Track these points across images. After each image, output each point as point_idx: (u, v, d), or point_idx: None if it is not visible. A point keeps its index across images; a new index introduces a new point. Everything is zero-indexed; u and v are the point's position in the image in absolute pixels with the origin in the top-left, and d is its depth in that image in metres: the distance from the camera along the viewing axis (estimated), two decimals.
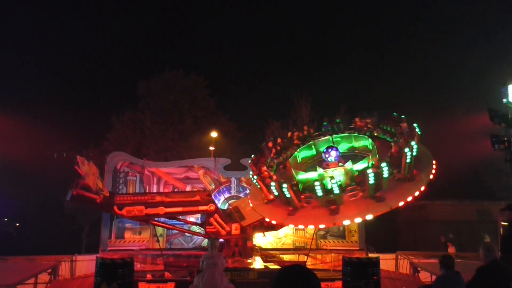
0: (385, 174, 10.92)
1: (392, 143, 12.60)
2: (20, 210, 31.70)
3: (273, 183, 11.96)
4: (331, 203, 11.39)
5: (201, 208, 13.73)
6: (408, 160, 11.27)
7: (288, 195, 11.63)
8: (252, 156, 14.62)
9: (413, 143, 11.43)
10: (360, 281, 9.01)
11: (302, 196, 11.80)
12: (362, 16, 48.80)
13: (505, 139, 13.75)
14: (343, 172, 12.14)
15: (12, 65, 38.30)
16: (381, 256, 11.58)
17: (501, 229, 10.83)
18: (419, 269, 13.26)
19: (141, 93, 29.41)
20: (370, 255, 14.20)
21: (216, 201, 15.43)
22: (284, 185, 11.55)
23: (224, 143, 26.59)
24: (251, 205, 13.90)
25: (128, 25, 51.17)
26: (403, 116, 13.57)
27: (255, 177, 12.99)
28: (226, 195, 17.91)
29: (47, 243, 27.97)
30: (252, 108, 36.34)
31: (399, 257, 14.79)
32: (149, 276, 12.31)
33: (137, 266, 12.65)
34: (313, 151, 14.72)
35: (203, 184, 18.53)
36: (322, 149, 13.98)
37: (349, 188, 11.60)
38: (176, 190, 18.58)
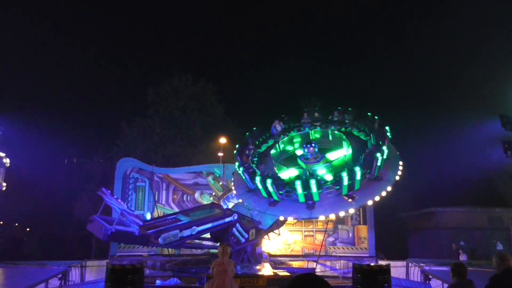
0: (358, 176, 12.35)
1: (368, 142, 13.93)
2: (30, 216, 31.95)
3: (258, 177, 13.09)
4: (309, 198, 12.74)
5: (227, 220, 13.32)
6: (379, 164, 12.80)
7: (271, 189, 12.88)
8: (237, 146, 15.55)
9: (384, 147, 12.88)
10: None
11: (284, 191, 12.97)
12: (371, 18, 48.78)
13: None
14: (322, 167, 13.63)
15: (23, 72, 38.86)
16: (392, 263, 11.45)
17: None
18: (430, 276, 13.07)
19: (151, 99, 29.62)
20: (380, 262, 14.05)
21: (225, 207, 15.45)
22: (268, 180, 12.79)
23: (233, 149, 26.61)
24: (234, 192, 15.00)
25: (138, 32, 51.72)
26: (376, 118, 14.76)
27: (241, 168, 13.86)
28: (235, 200, 17.90)
29: (57, 248, 28.19)
30: (261, 114, 36.35)
31: (409, 264, 14.61)
32: (158, 282, 12.32)
33: (146, 272, 12.67)
34: (293, 144, 16.08)
35: (212, 190, 18.57)
36: (297, 141, 15.95)
37: (325, 186, 12.79)
38: (185, 195, 18.65)
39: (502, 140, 13.94)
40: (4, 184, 18.24)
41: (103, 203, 12.27)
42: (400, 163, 13.80)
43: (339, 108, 16.20)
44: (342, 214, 13.18)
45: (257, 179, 13.09)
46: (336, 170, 13.35)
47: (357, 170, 12.24)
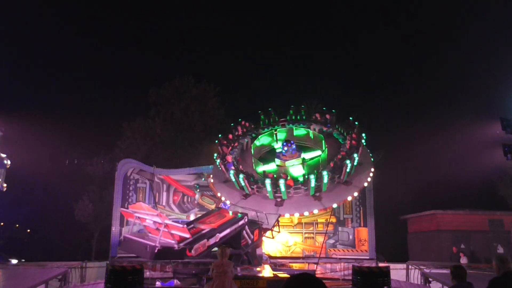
0: (325, 180, 13.51)
1: (341, 146, 14.86)
2: (31, 217, 31.96)
3: (232, 171, 14.10)
4: (278, 196, 13.78)
5: (240, 223, 13.27)
6: (348, 170, 13.79)
7: (242, 184, 13.96)
8: (220, 135, 16.56)
9: (355, 155, 13.85)
10: None
11: (255, 186, 14.13)
12: (370, 19, 48.81)
13: None
14: (296, 165, 14.65)
15: (24, 73, 38.93)
16: (392, 265, 11.47)
17: None
18: (430, 279, 13.06)
19: (152, 101, 29.65)
20: (380, 264, 14.06)
21: (226, 208, 15.46)
22: (241, 175, 13.90)
23: None
24: (211, 181, 16.11)
25: (140, 33, 51.79)
26: (356, 123, 15.62)
27: (219, 160, 14.84)
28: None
29: (58, 249, 28.18)
30: (266, 116, 36.30)
31: (410, 267, 14.59)
32: (158, 283, 12.31)
33: (146, 273, 12.66)
34: (272, 139, 17.21)
35: (213, 191, 18.57)
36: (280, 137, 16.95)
37: (294, 186, 13.88)
38: (185, 197, 18.65)
39: (502, 143, 13.93)
40: (5, 185, 18.24)
41: (133, 220, 11.99)
42: (372, 169, 14.79)
43: (324, 108, 17.47)
44: (306, 213, 14.37)
45: (231, 172, 14.11)
46: (309, 170, 14.41)
47: (325, 174, 13.42)
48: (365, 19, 50.04)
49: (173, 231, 11.38)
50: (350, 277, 10.66)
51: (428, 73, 42.20)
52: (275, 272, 12.71)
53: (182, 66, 45.06)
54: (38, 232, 32.66)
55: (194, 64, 45.41)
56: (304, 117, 17.33)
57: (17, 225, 34.08)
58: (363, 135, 15.17)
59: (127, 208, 13.07)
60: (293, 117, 17.41)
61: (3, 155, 18.10)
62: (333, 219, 17.83)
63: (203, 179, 18.58)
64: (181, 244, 11.30)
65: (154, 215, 11.79)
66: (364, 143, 15.08)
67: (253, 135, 17.25)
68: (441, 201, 26.77)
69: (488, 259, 18.81)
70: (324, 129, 16.58)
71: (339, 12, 51.72)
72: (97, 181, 28.15)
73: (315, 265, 15.38)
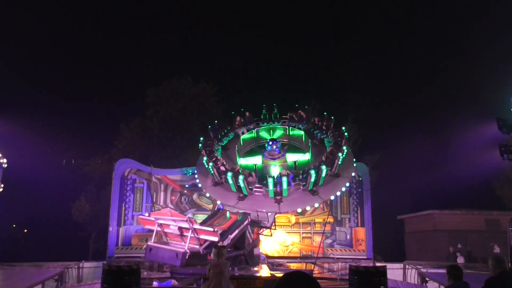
0: (323, 173, 13.97)
1: (330, 145, 15.23)
2: (28, 217, 31.88)
3: (229, 173, 14.11)
4: (278, 194, 13.94)
5: (245, 223, 13.24)
6: (340, 162, 14.44)
7: (241, 185, 14.02)
8: (201, 138, 16.64)
9: (345, 147, 14.58)
10: None
11: (253, 186, 14.29)
12: (370, 22, 48.84)
13: None
14: (285, 163, 15.11)
15: (21, 74, 38.83)
16: (389, 265, 11.49)
17: (510, 239, 10.71)
18: (427, 279, 13.09)
19: (150, 101, 29.61)
20: (377, 264, 14.08)
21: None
22: (241, 177, 13.91)
23: None
24: (199, 185, 16.05)
25: (138, 33, 51.72)
26: (332, 118, 16.41)
27: (211, 164, 14.78)
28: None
29: (54, 249, 28.10)
30: (260, 116, 36.34)
31: (406, 266, 14.62)
32: (155, 284, 12.28)
33: (144, 273, 12.63)
34: (253, 135, 17.52)
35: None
36: (262, 134, 17.46)
37: (294, 182, 14.18)
38: (183, 197, 18.62)
39: (498, 143, 13.95)
40: (2, 185, 18.20)
41: (155, 229, 11.81)
42: (354, 160, 15.67)
43: (297, 105, 18.24)
44: (308, 208, 14.72)
45: (229, 175, 14.16)
46: (301, 168, 14.88)
47: (323, 168, 13.93)
48: (359, 15, 50.10)
49: (202, 236, 11.24)
50: (347, 277, 10.68)
51: (426, 74, 42.32)
52: (272, 272, 12.71)
53: (180, 66, 44.99)
54: (35, 232, 32.57)
55: (192, 64, 45.42)
56: (278, 116, 17.89)
57: (14, 226, 33.98)
58: (343, 128, 15.96)
59: (149, 216, 12.55)
60: (278, 116, 17.94)
61: (0, 155, 18.05)
62: (331, 219, 17.86)
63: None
64: (203, 248, 11.20)
65: (184, 220, 11.53)
66: (346, 135, 15.86)
67: (231, 136, 17.33)
68: (438, 201, 26.87)
69: (484, 259, 18.85)
70: (320, 133, 16.80)
71: (331, 7, 51.80)
72: (94, 181, 28.10)
73: (313, 265, 15.41)
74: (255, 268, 13.10)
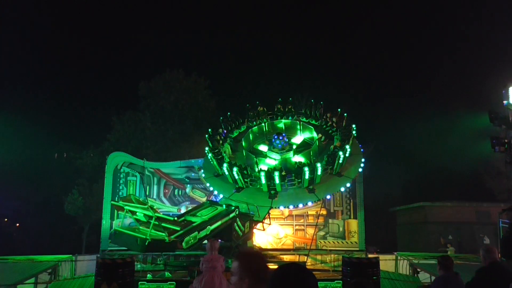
0: (319, 172, 13.30)
1: (335, 138, 14.71)
2: (20, 211, 31.68)
3: (225, 164, 13.83)
4: (272, 188, 13.56)
5: (231, 215, 13.20)
6: (340, 161, 13.61)
7: (236, 177, 13.68)
8: (209, 130, 16.14)
9: (347, 146, 13.57)
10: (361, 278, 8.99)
11: (249, 179, 13.86)
12: (365, 16, 48.87)
13: (506, 141, 13.70)
14: (289, 157, 14.51)
15: (13, 66, 38.36)
16: (381, 256, 11.61)
17: (501, 231, 10.86)
18: (418, 269, 13.26)
19: (142, 94, 29.45)
20: (370, 255, 14.22)
21: (217, 201, 15.49)
22: (235, 168, 13.58)
23: None
24: (203, 175, 15.89)
25: (129, 25, 51.25)
26: (345, 115, 15.38)
27: (210, 153, 14.55)
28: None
29: (48, 243, 28.01)
30: (253, 109, 36.28)
31: (398, 257, 14.79)
32: (149, 276, 12.31)
33: (138, 266, 12.64)
34: (263, 128, 16.70)
35: (204, 184, 18.55)
36: (271, 127, 16.60)
37: (288, 178, 13.68)
38: (176, 190, 18.61)
39: (490, 136, 14.05)
40: None
41: (123, 213, 11.99)
42: (362, 160, 14.67)
43: (312, 100, 17.06)
44: (301, 205, 14.26)
45: (224, 166, 13.87)
46: (303, 160, 14.30)
47: (319, 166, 13.26)
48: (354, 11, 50.07)
49: (163, 224, 11.38)
50: (340, 268, 10.78)
51: (417, 66, 42.49)
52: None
53: (172, 59, 44.72)
54: (28, 226, 32.39)
55: (184, 56, 45.16)
56: (292, 110, 17.03)
57: (6, 219, 33.75)
58: (353, 126, 15.02)
59: (118, 202, 12.91)
60: (280, 110, 17.16)
61: None
62: (324, 211, 17.95)
63: (192, 174, 18.57)
64: (172, 237, 11.31)
65: (145, 208, 11.75)
66: (355, 134, 14.92)
67: (243, 128, 17.01)
68: (429, 194, 27.12)
69: (475, 250, 19.13)
70: (313, 120, 16.38)
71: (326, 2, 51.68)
72: (87, 175, 27.97)
73: (306, 257, 15.49)
74: None
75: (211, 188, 15.32)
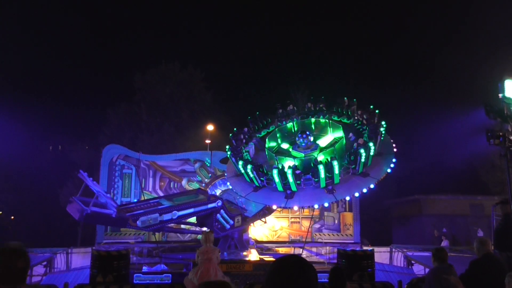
0: (336, 170, 12.30)
1: (364, 135, 13.41)
2: (15, 204, 31.54)
3: (240, 162, 13.36)
4: (288, 188, 12.77)
5: (210, 206, 13.43)
6: (363, 160, 12.45)
7: (251, 175, 13.13)
8: (235, 129, 15.56)
9: (370, 144, 12.48)
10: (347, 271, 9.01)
11: (264, 178, 13.21)
12: (361, 13, 48.74)
13: (500, 134, 13.74)
14: (315, 156, 13.47)
15: (7, 58, 37.98)
16: (376, 249, 11.69)
17: (494, 223, 10.93)
18: (413, 262, 13.38)
19: (137, 86, 29.30)
20: (365, 248, 14.32)
21: (213, 193, 15.51)
22: (249, 166, 13.04)
23: (220, 137, 26.60)
24: (226, 175, 15.46)
25: (124, 17, 50.85)
26: (377, 111, 14.24)
27: (229, 152, 14.28)
28: (222, 187, 17.95)
29: (42, 236, 27.95)
30: (249, 101, 36.27)
31: (393, 250, 14.91)
32: (144, 268, 12.34)
33: (133, 258, 12.67)
34: (290, 127, 15.65)
35: (199, 177, 18.56)
36: (297, 126, 15.42)
37: (306, 178, 12.85)
38: (172, 183, 18.61)
39: (485, 129, 14.08)
40: None
41: (82, 185, 12.37)
42: (393, 160, 13.23)
43: (345, 98, 15.54)
44: (317, 206, 13.52)
45: (240, 164, 13.41)
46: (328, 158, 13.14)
47: (335, 164, 12.20)
48: (362, 15, 49.93)
49: (109, 201, 12.40)
50: (336, 261, 10.85)
51: (411, 60, 42.52)
52: (261, 256, 12.85)
53: (167, 51, 44.49)
54: (23, 219, 32.29)
55: (180, 49, 44.91)
56: (324, 109, 15.66)
57: (1, 212, 33.62)
58: (383, 123, 13.83)
59: (81, 174, 12.88)
60: (323, 109, 15.73)
61: None
62: None
63: (188, 167, 18.57)
64: (128, 215, 12.06)
65: (93, 184, 12.46)
66: (383, 132, 13.68)
67: (271, 128, 15.71)
68: (424, 187, 27.28)
69: (468, 242, 19.30)
70: (339, 118, 15.19)
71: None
72: (82, 167, 27.74)
73: (301, 249, 15.57)
74: (245, 253, 13.24)
75: (231, 188, 14.67)
